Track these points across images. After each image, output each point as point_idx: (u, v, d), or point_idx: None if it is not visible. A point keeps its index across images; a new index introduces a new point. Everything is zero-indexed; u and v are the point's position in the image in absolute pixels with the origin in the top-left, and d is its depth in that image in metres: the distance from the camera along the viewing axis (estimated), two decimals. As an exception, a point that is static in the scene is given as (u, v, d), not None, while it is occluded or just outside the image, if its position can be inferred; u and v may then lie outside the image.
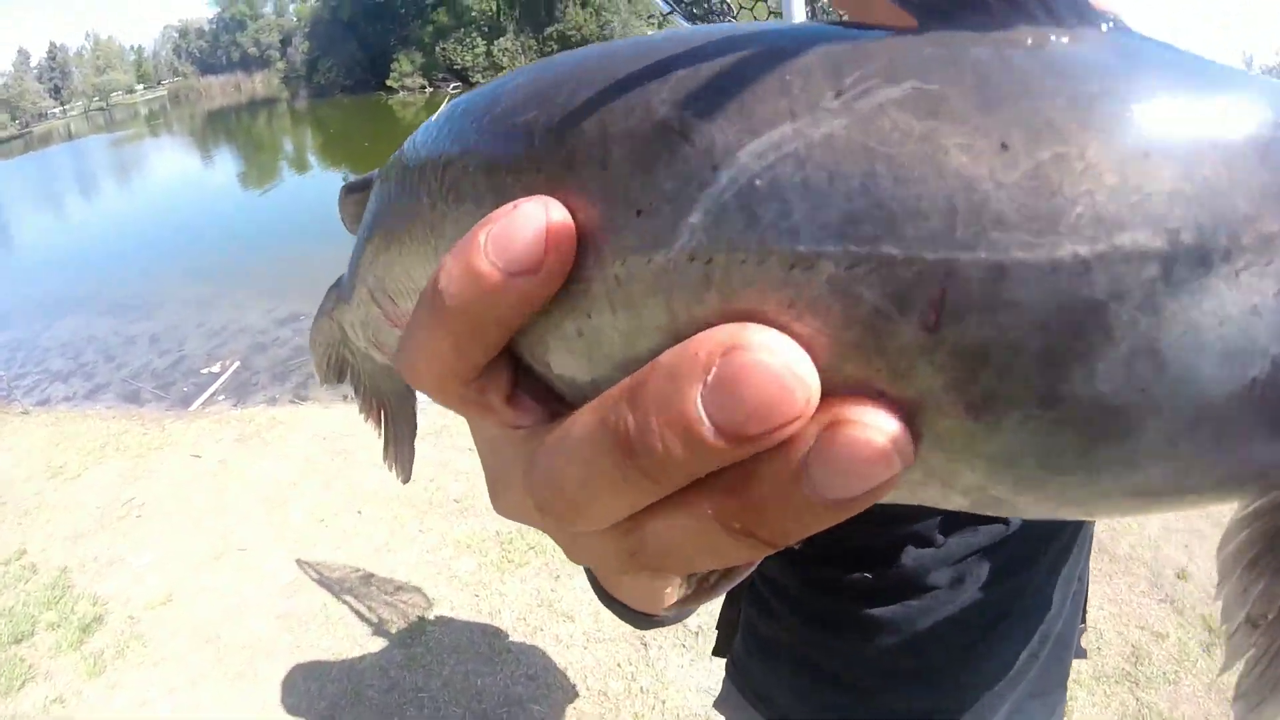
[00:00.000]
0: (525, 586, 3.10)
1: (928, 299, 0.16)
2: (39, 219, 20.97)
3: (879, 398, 0.17)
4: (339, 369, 0.50)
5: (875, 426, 0.16)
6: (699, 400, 0.16)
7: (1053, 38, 0.17)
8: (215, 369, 6.57)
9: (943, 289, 0.16)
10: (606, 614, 2.25)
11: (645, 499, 0.19)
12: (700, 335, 0.17)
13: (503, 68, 40.64)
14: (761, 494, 0.18)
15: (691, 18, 2.19)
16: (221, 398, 6.00)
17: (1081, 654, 1.06)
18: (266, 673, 2.88)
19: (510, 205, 0.19)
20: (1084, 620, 1.05)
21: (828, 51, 0.18)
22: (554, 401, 0.23)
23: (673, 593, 0.55)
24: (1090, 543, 0.98)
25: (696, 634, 2.80)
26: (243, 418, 5.16)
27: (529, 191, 0.20)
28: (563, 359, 0.21)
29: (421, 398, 0.33)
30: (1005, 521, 0.83)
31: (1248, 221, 0.15)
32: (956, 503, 0.19)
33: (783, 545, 0.19)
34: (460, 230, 0.21)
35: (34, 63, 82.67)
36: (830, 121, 0.17)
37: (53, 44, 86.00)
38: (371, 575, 3.29)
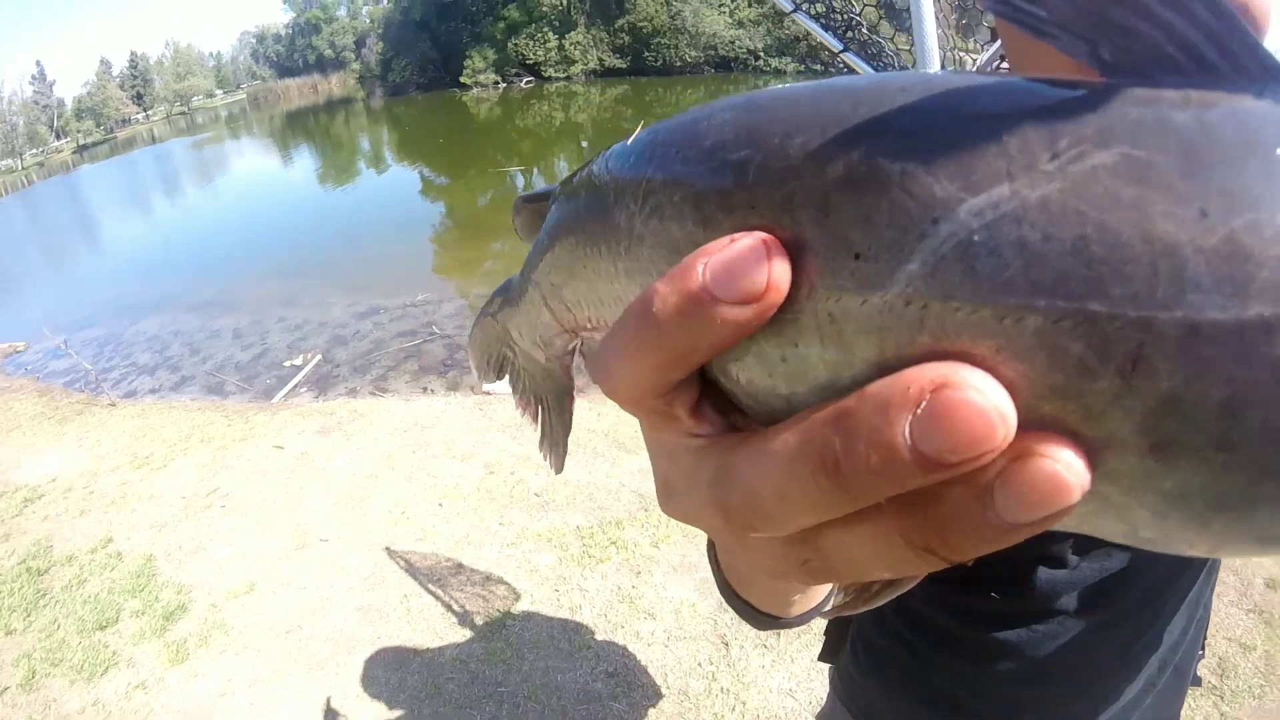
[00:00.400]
0: (606, 582, 3.07)
1: (1125, 352, 0.17)
2: (125, 220, 21.81)
3: (1066, 434, 0.18)
4: (498, 367, 0.54)
5: (1061, 460, 0.18)
6: (906, 429, 0.18)
7: (1247, 97, 0.18)
8: (298, 362, 6.68)
9: (1140, 343, 0.17)
10: (689, 611, 2.21)
11: (837, 513, 0.21)
12: (912, 370, 0.18)
13: (574, 61, 40.92)
14: (947, 513, 0.19)
15: (816, 18, 2.21)
16: (304, 390, 6.10)
17: (1198, 682, 1.01)
18: (347, 665, 2.89)
19: (727, 239, 0.21)
20: (1203, 648, 0.99)
21: (1039, 111, 0.19)
22: (736, 414, 0.25)
23: (801, 599, 0.61)
24: (1218, 571, 0.93)
25: (778, 634, 2.73)
26: (324, 410, 5.22)
27: (739, 227, 0.21)
28: (760, 380, 0.23)
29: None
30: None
31: None
32: (1123, 535, 0.21)
33: (957, 561, 0.20)
34: (657, 254, 0.24)
35: (116, 72, 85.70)
36: (1046, 185, 0.18)
37: (134, 53, 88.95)
38: (452, 568, 3.28)
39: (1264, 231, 0.16)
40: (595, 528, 3.37)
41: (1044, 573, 0.81)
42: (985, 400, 0.18)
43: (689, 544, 3.17)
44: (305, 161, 27.84)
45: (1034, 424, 0.18)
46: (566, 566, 3.18)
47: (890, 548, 0.21)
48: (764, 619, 0.62)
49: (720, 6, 40.00)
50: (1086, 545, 0.80)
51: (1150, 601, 0.83)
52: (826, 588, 0.60)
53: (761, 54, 38.62)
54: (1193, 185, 0.17)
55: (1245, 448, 0.17)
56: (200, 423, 5.39)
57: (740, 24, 39.34)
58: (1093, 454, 0.18)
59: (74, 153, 67.27)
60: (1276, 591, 2.78)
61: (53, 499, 4.67)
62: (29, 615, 3.56)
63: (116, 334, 8.90)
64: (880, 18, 2.43)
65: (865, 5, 2.31)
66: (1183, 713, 0.98)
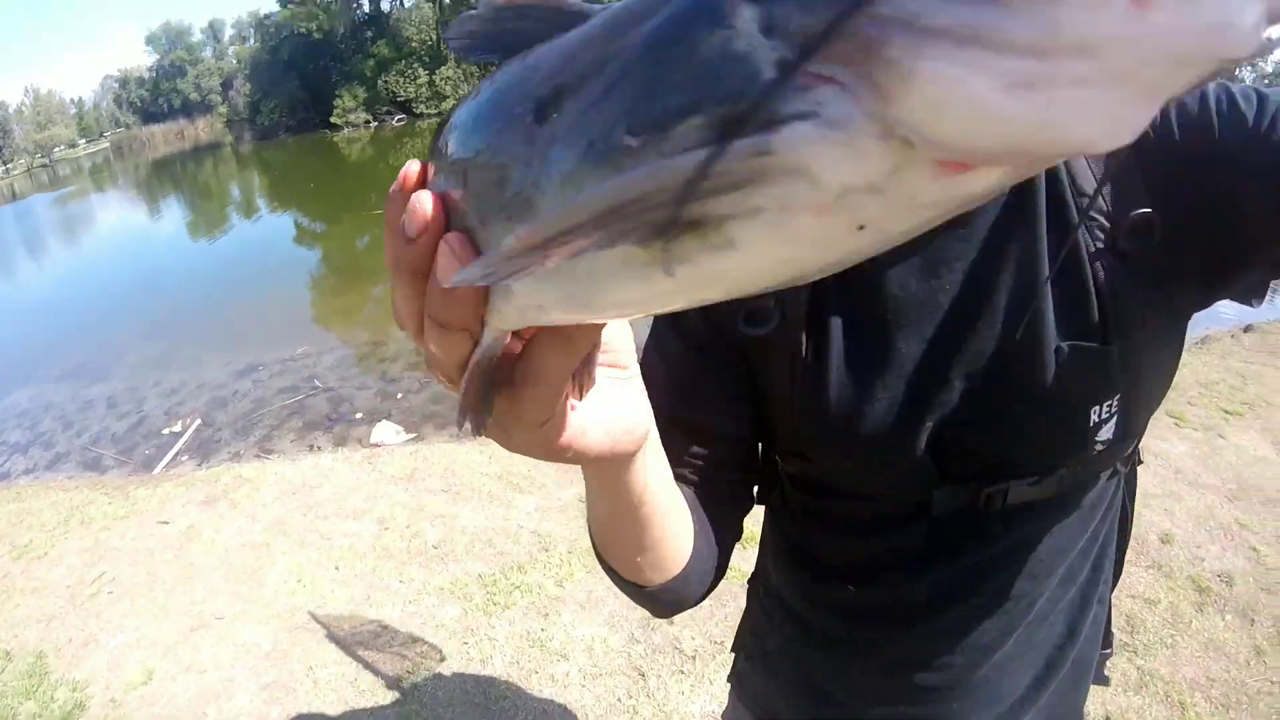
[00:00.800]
0: (514, 629, 3.04)
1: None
2: (-25, 287, 20.55)
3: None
4: None
5: (449, 241, 0.33)
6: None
7: None
8: (176, 428, 6.45)
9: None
10: (601, 647, 2.24)
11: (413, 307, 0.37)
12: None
13: (446, 97, 40.81)
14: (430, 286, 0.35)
15: None
16: (185, 458, 5.89)
17: (1104, 681, 1.01)
18: None
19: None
20: (1109, 645, 0.99)
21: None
22: None
23: (645, 562, 0.68)
24: (1112, 566, 0.93)
25: (694, 657, 2.77)
26: (208, 477, 5.05)
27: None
28: None
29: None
30: (995, 537, 0.78)
31: None
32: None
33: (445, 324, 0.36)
34: None
35: None
36: None
37: None
38: (356, 633, 3.20)
39: None
40: (497, 574, 3.34)
41: (892, 570, 0.83)
42: (423, 205, 0.33)
43: (593, 579, 3.17)
44: (174, 213, 26.85)
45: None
46: (472, 617, 3.13)
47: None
48: (632, 589, 0.73)
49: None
50: (939, 539, 0.79)
51: (1020, 596, 0.82)
52: (670, 552, 0.70)
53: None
54: None
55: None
56: (80, 502, 5.14)
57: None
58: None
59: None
60: (1170, 545, 2.95)
61: None
62: None
63: (-17, 413, 8.40)
64: None
65: None
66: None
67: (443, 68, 41.04)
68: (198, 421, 6.45)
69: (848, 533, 0.86)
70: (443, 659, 2.98)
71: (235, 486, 4.69)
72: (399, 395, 6.23)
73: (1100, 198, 0.67)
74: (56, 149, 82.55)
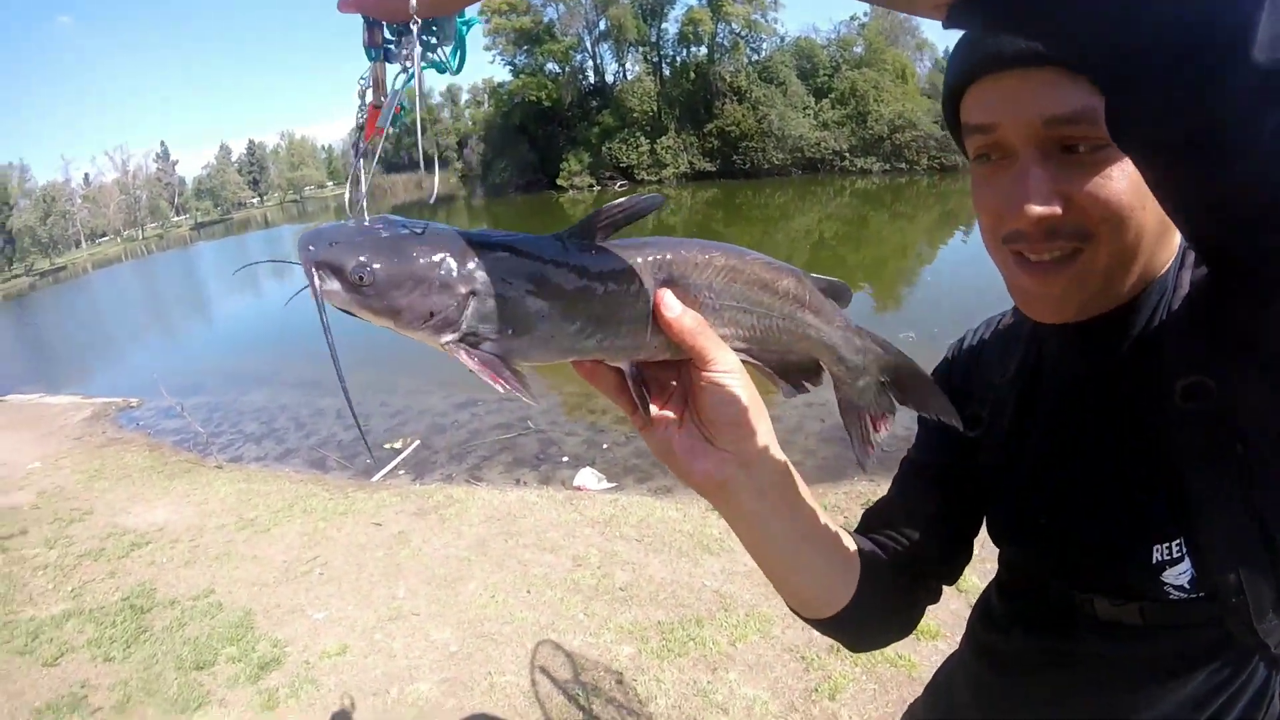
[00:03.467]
0: (682, 676, 3.15)
1: None
2: (236, 296, 23.13)
3: None
4: None
5: None
6: None
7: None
8: (397, 445, 6.98)
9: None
10: (760, 710, 2.45)
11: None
12: None
13: (666, 165, 41.88)
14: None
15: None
16: (402, 472, 6.37)
17: None
18: None
19: None
20: None
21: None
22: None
23: (814, 590, 0.86)
24: None
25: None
26: (421, 493, 5.47)
27: None
28: None
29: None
30: (1081, 640, 0.83)
31: None
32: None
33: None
34: None
35: (234, 157, 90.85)
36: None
37: (252, 141, 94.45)
38: (536, 652, 3.41)
39: None
40: (675, 623, 3.47)
41: (1067, 614, 0.87)
42: None
43: (766, 644, 3.27)
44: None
45: None
46: (645, 658, 3.28)
47: None
48: (822, 627, 0.88)
49: (805, 110, 40.75)
50: (1037, 624, 0.88)
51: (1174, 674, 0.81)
52: (811, 596, 0.85)
53: (847, 154, 38.96)
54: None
55: None
56: (302, 494, 5.69)
57: (825, 125, 39.86)
58: None
59: (191, 229, 71.81)
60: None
61: (159, 547, 4.99)
62: (129, 647, 3.82)
63: (226, 402, 9.46)
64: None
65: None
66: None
67: (663, 137, 42.27)
68: (417, 442, 6.97)
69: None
70: (611, 691, 3.12)
71: (445, 504, 5.06)
72: (604, 445, 6.51)
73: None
74: (306, 188, 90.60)
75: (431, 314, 0.56)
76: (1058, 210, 0.67)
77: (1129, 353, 0.78)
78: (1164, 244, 0.74)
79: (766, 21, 42.50)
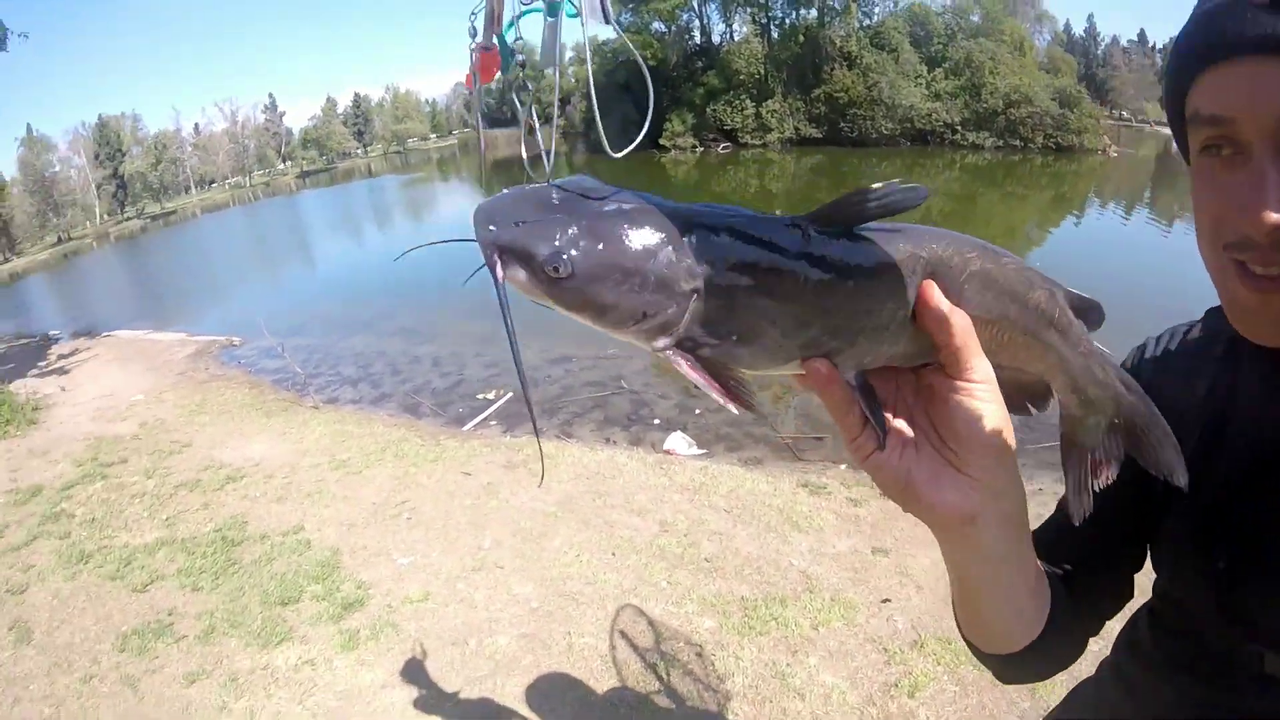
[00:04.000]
0: (761, 655, 3.11)
1: None
2: (339, 243, 23.73)
3: None
4: None
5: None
6: None
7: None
8: (490, 396, 7.06)
9: None
10: (837, 699, 2.48)
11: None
12: None
13: (770, 129, 41.15)
14: None
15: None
16: (493, 423, 6.43)
17: None
18: (504, 686, 3.03)
19: None
20: None
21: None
22: None
23: (1016, 619, 0.75)
24: None
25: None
26: (511, 445, 5.50)
27: None
28: None
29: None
30: (1246, 696, 0.76)
31: None
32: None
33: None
34: None
35: (340, 109, 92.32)
36: None
37: (357, 94, 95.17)
38: (616, 616, 3.40)
39: None
40: (759, 601, 3.42)
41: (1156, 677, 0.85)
42: None
43: (849, 631, 3.20)
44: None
45: None
46: (726, 633, 3.24)
47: None
48: (995, 662, 0.81)
49: (918, 79, 39.31)
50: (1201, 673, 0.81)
51: None
52: (1000, 632, 0.78)
53: (959, 128, 37.58)
54: None
55: None
56: (395, 439, 5.76)
57: (937, 96, 38.54)
58: None
59: (297, 177, 74.38)
60: None
61: (253, 481, 5.11)
62: (217, 579, 3.93)
63: (325, 345, 9.67)
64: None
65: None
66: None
67: (769, 101, 41.54)
68: (509, 394, 7.00)
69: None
70: (689, 663, 3.09)
71: (535, 458, 5.08)
72: (697, 411, 6.46)
73: None
74: (410, 140, 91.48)
75: (645, 314, 0.47)
76: None
77: None
78: None
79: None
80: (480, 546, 4.05)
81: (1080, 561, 0.87)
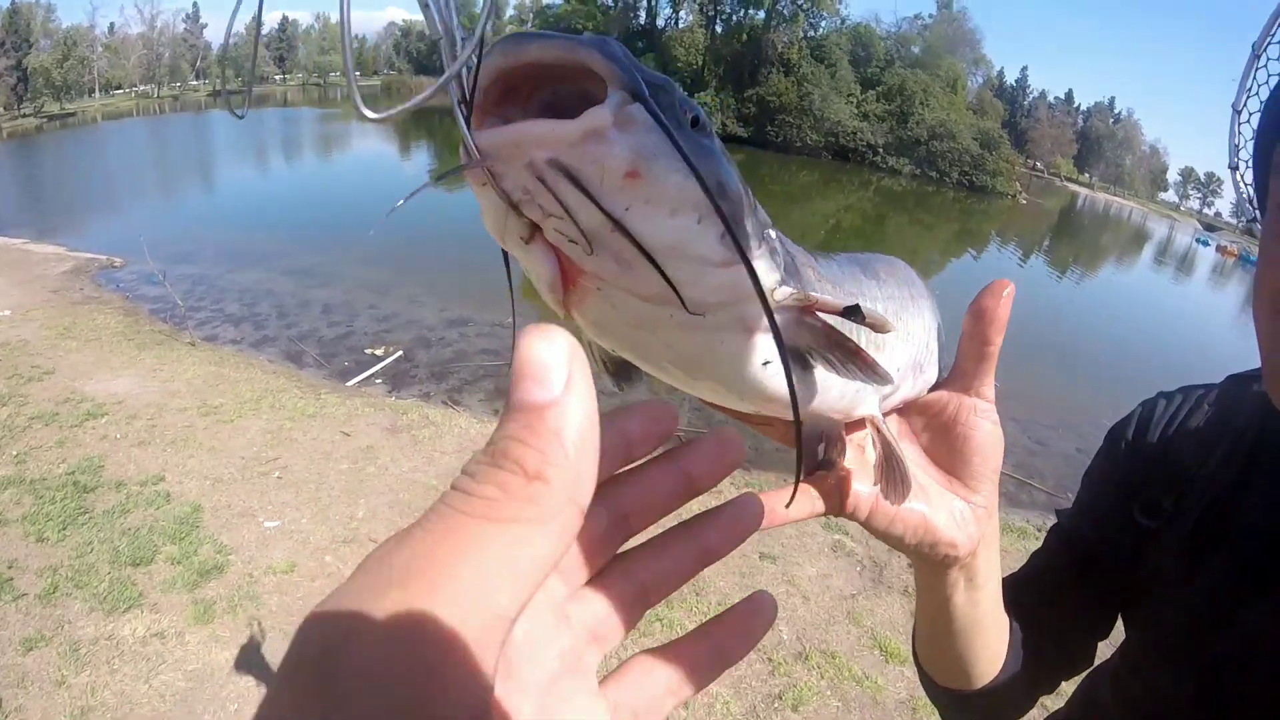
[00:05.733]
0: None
1: None
2: (241, 171, 22.68)
3: None
4: None
5: None
6: None
7: None
8: (379, 352, 6.75)
9: None
10: (721, 710, 2.42)
11: None
12: None
13: (702, 120, 41.86)
14: None
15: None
16: (379, 381, 6.15)
17: None
18: None
19: None
20: None
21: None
22: None
23: (981, 661, 0.71)
24: None
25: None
26: (396, 407, 5.25)
27: None
28: None
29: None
30: None
31: None
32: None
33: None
34: None
35: (265, 30, 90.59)
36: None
37: (285, 17, 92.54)
38: None
39: None
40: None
41: None
42: None
43: (735, 638, 3.10)
44: (422, 158, 28.73)
45: None
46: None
47: None
48: (948, 698, 0.77)
49: (849, 97, 40.40)
50: None
51: None
52: (997, 649, 0.73)
53: (881, 150, 38.91)
54: None
55: None
56: (274, 387, 5.44)
57: (865, 116, 39.83)
58: None
59: (209, 94, 70.90)
60: None
61: (115, 421, 4.71)
62: (64, 529, 3.57)
63: (211, 277, 9.15)
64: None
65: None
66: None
67: (702, 93, 42.07)
68: (399, 353, 6.73)
69: None
70: None
71: (419, 424, 4.85)
72: (591, 390, 6.36)
73: None
74: (332, 74, 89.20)
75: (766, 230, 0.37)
76: None
77: None
78: None
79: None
80: (354, 516, 3.81)
81: (1047, 614, 0.83)
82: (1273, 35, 1.05)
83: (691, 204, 0.32)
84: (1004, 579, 0.86)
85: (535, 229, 0.32)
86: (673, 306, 0.34)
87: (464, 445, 4.60)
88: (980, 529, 0.55)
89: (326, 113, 48.10)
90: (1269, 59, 1.02)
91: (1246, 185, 0.67)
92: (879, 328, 0.40)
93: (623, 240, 0.31)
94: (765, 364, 0.39)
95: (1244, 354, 0.69)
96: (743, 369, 0.39)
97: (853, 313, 0.39)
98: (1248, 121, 0.71)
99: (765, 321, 0.34)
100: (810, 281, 0.42)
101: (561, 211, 0.30)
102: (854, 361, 0.40)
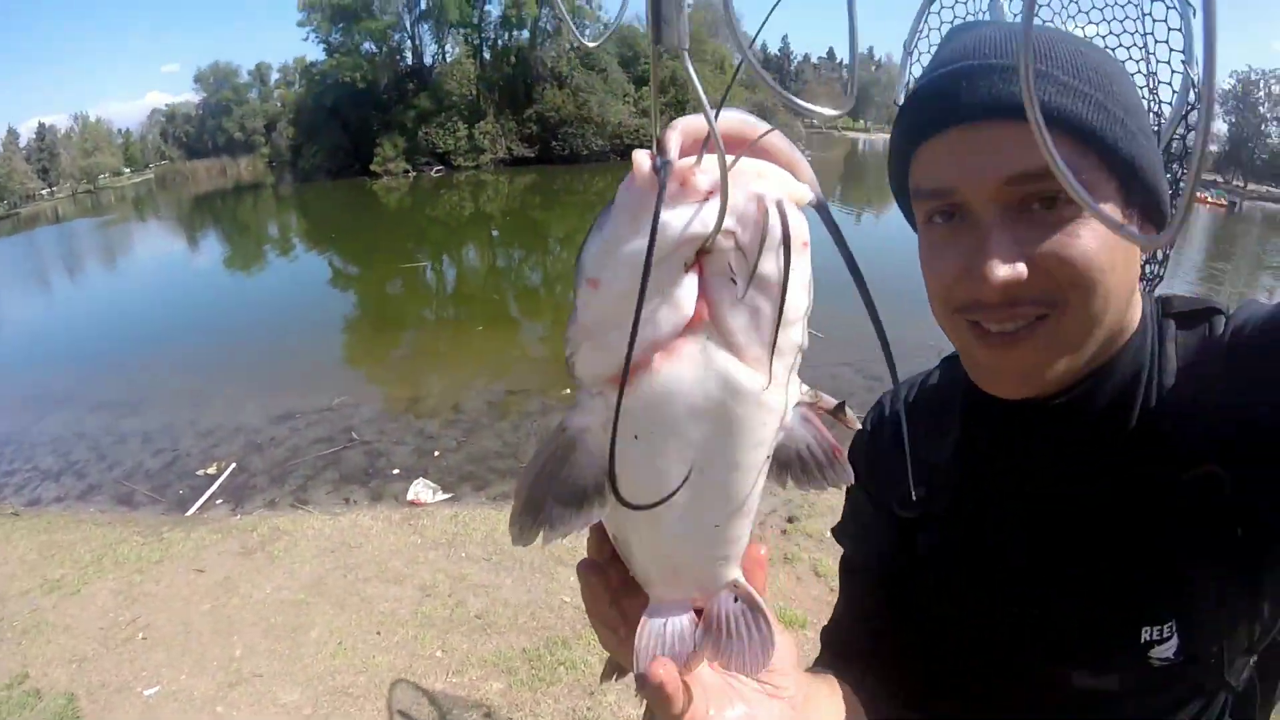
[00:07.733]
0: (559, 706, 3.00)
1: None
2: (25, 305, 20.70)
3: None
4: None
5: None
6: None
7: None
8: (211, 470, 6.43)
9: None
10: None
11: None
12: None
13: (484, 150, 41.51)
14: None
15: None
16: (220, 501, 5.87)
17: None
18: None
19: None
20: None
21: None
22: None
23: None
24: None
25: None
26: (243, 526, 5.03)
27: None
28: None
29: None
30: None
31: None
32: None
33: None
34: None
35: (23, 143, 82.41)
36: None
37: (41, 124, 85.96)
38: (397, 703, 3.15)
39: None
40: (542, 648, 3.30)
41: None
42: None
43: (640, 663, 3.15)
44: (213, 248, 27.36)
45: None
46: (516, 691, 3.09)
47: None
48: None
49: (625, 97, 41.35)
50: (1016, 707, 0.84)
51: None
52: None
53: (663, 142, 40.46)
54: None
55: None
56: (112, 540, 5.09)
57: (644, 113, 40.91)
58: None
59: (-43, 230, 63.50)
60: None
61: None
62: None
63: (16, 434, 8.35)
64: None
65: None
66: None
67: (482, 122, 41.89)
68: (233, 465, 6.43)
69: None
70: None
71: (272, 539, 4.67)
72: (436, 453, 6.23)
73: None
74: (101, 176, 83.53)
75: None
76: (1023, 273, 0.62)
77: (1109, 433, 0.74)
78: (1130, 313, 0.71)
79: (590, 7, 42.60)
80: (232, 656, 3.63)
81: (869, 654, 0.89)
82: (921, 33, 1.18)
83: (809, 293, 0.38)
84: (824, 629, 0.99)
85: (699, 260, 0.36)
86: (744, 376, 0.38)
87: (322, 548, 4.47)
88: (799, 714, 0.57)
89: (103, 220, 44.40)
90: (920, 53, 1.15)
91: None
92: (850, 424, 0.45)
93: (766, 297, 0.36)
94: (767, 460, 0.42)
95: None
96: (751, 453, 0.41)
97: (839, 410, 0.43)
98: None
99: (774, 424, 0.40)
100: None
101: (757, 248, 0.35)
102: (836, 464, 0.43)
